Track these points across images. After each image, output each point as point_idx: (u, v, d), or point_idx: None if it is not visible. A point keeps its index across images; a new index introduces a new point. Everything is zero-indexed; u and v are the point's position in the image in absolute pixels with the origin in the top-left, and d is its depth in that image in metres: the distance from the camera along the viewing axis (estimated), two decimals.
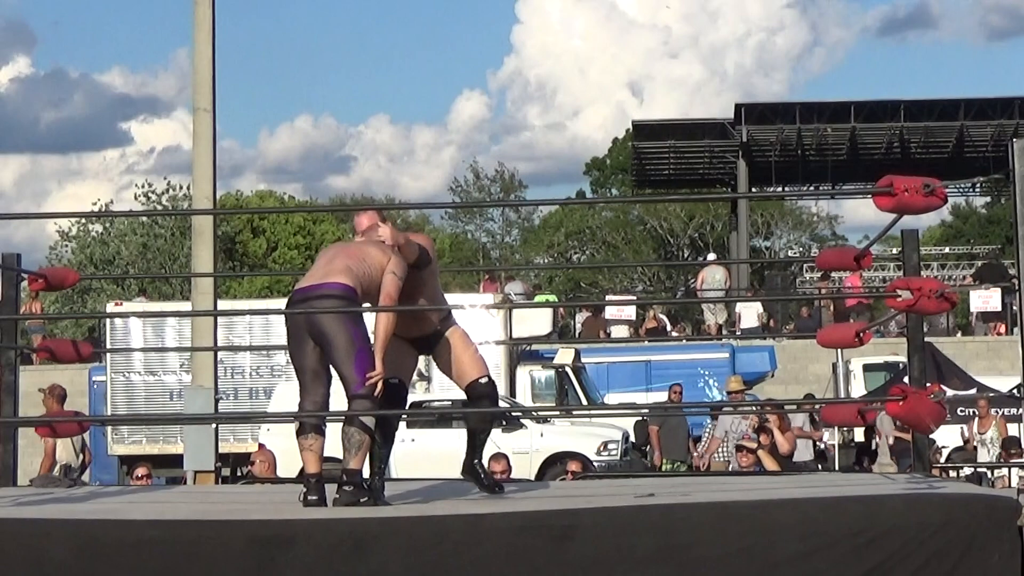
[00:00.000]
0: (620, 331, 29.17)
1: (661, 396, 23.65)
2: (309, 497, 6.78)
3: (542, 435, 20.56)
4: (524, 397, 22.71)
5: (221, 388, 18.78)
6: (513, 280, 30.54)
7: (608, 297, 48.50)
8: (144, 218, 50.96)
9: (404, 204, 51.75)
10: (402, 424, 20.16)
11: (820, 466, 18.04)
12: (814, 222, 66.70)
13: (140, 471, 13.59)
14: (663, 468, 19.02)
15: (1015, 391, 18.60)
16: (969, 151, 45.09)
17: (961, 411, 20.63)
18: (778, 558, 5.85)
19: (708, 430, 17.10)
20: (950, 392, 18.61)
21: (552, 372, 23.10)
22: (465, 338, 7.33)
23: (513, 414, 20.17)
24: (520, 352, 23.98)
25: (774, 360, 25.84)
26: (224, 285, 32.75)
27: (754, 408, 15.72)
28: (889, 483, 7.68)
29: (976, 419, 17.24)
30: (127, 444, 24.16)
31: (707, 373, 24.99)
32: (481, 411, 7.28)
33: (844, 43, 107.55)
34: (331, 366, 6.90)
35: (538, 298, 29.62)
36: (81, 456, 14.74)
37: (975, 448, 17.14)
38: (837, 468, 21.33)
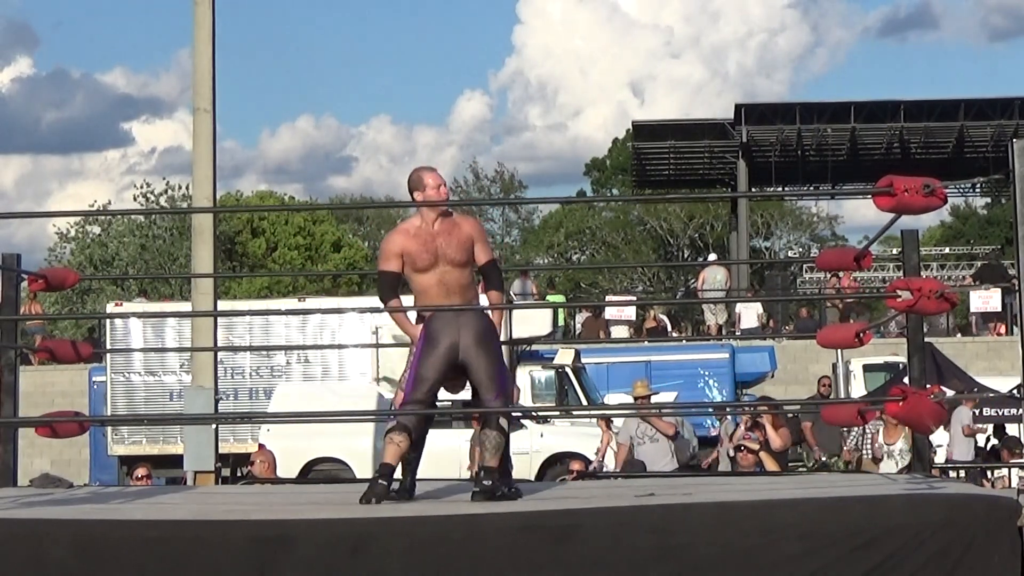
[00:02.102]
0: (620, 331, 29.17)
1: (661, 396, 23.65)
2: (380, 482, 7.05)
3: (542, 435, 20.56)
4: (524, 397, 22.71)
5: (221, 388, 18.78)
6: (527, 277, 30.44)
7: (608, 297, 48.47)
8: (141, 219, 50.93)
9: (403, 203, 51.71)
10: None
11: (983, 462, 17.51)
12: (814, 222, 66.73)
13: (140, 471, 13.59)
14: (827, 462, 18.70)
15: (1015, 391, 18.58)
16: (969, 151, 45.08)
17: None
18: (778, 558, 5.85)
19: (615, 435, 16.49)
20: (950, 393, 18.58)
21: (552, 372, 23.09)
22: None
23: (513, 414, 20.14)
24: (520, 352, 23.97)
25: (774, 360, 25.82)
26: (224, 285, 32.77)
27: (659, 411, 15.37)
28: (889, 483, 7.68)
29: (883, 427, 14.90)
30: (127, 444, 24.16)
31: (707, 373, 24.97)
32: (475, 411, 7.32)
33: (845, 43, 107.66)
34: (474, 373, 7.28)
35: (547, 299, 29.60)
36: None
37: (880, 459, 15.03)
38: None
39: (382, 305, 7.46)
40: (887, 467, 14.40)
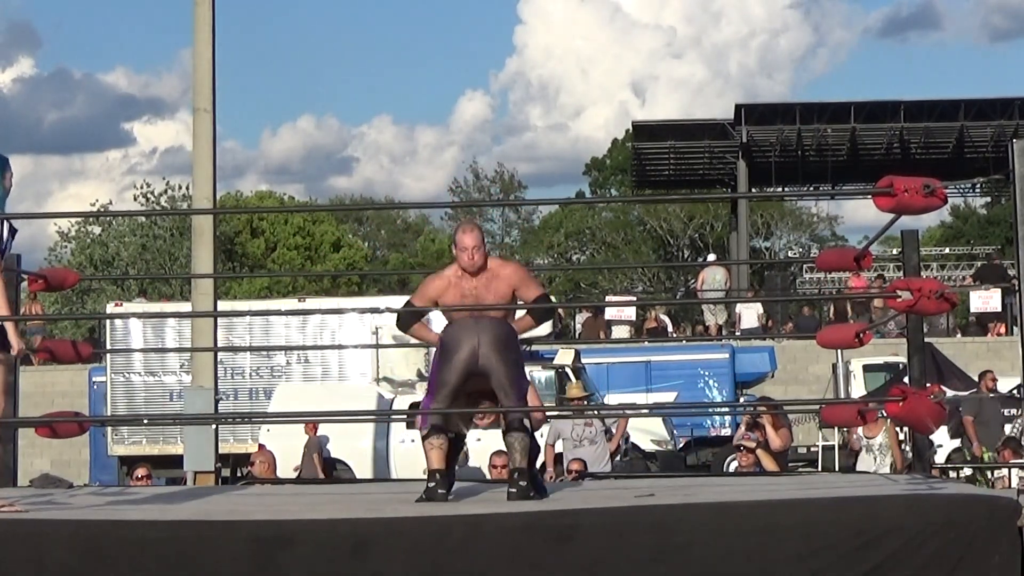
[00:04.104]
0: (620, 331, 29.16)
1: (661, 396, 23.64)
2: (439, 491, 7.26)
3: (542, 435, 20.52)
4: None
5: (221, 389, 18.77)
6: None
7: (608, 298, 48.46)
8: (142, 219, 50.95)
9: (403, 204, 51.79)
10: (402, 425, 20.09)
11: None
12: (814, 222, 66.71)
13: (140, 471, 13.56)
14: (984, 458, 18.55)
15: (1015, 391, 18.59)
16: (969, 152, 45.07)
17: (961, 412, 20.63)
18: (778, 558, 5.85)
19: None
20: (950, 393, 18.58)
21: (552, 372, 23.08)
22: None
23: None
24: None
25: (774, 360, 25.82)
26: (224, 286, 32.74)
27: (597, 412, 15.17)
28: (889, 484, 7.68)
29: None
30: (127, 444, 24.15)
31: (707, 373, 24.96)
32: (473, 411, 7.38)
33: (846, 44, 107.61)
34: (500, 384, 7.43)
35: None
36: None
37: (857, 453, 15.01)
38: (837, 468, 21.34)
39: (394, 318, 7.75)
40: (866, 461, 14.32)
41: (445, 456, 7.42)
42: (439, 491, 7.24)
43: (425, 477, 7.47)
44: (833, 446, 23.60)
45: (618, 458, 19.96)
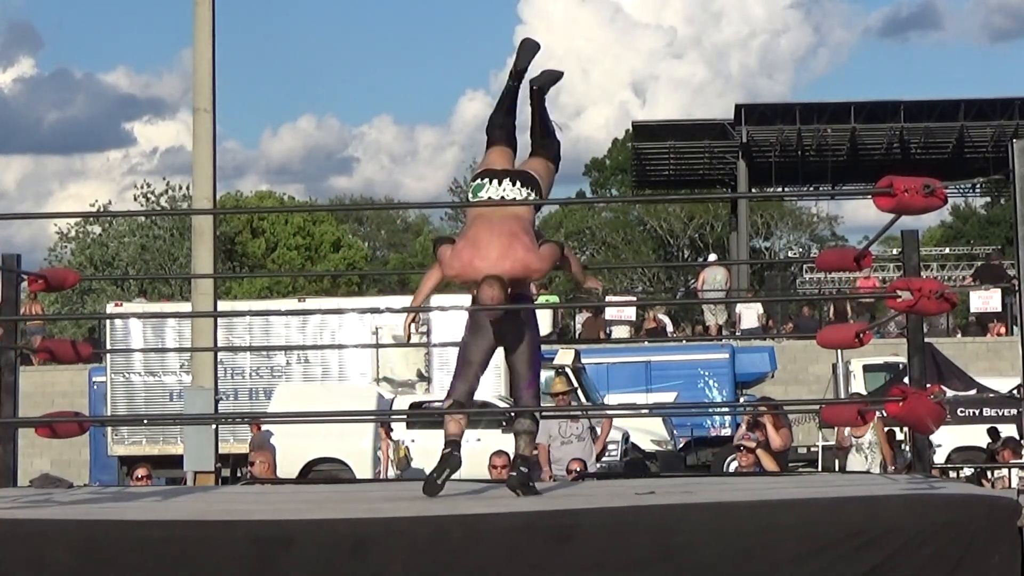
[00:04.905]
0: (620, 332, 29.16)
1: (661, 396, 23.66)
2: (455, 453, 7.31)
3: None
4: None
5: (221, 389, 18.78)
6: None
7: (608, 298, 48.46)
8: (142, 219, 50.95)
9: (403, 204, 51.78)
10: (402, 425, 20.07)
11: None
12: (814, 223, 66.72)
13: (140, 471, 13.58)
14: None
15: (1015, 391, 18.58)
16: (969, 152, 45.09)
17: (961, 412, 20.66)
18: (778, 558, 5.84)
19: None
20: (950, 393, 18.58)
21: (552, 372, 23.08)
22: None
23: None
24: None
25: (774, 361, 25.83)
26: (224, 285, 32.78)
27: (582, 412, 15.20)
28: (889, 483, 7.68)
29: None
30: (127, 445, 24.16)
31: (707, 374, 24.97)
32: (474, 411, 7.37)
33: (847, 44, 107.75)
34: (512, 361, 7.51)
35: (540, 299, 29.55)
36: None
37: (846, 451, 14.77)
38: (837, 468, 21.34)
39: (394, 318, 7.66)
40: (855, 460, 14.26)
41: (462, 427, 7.46)
42: (455, 454, 7.28)
43: (423, 478, 7.46)
44: (833, 446, 23.60)
45: (616, 458, 20.05)
